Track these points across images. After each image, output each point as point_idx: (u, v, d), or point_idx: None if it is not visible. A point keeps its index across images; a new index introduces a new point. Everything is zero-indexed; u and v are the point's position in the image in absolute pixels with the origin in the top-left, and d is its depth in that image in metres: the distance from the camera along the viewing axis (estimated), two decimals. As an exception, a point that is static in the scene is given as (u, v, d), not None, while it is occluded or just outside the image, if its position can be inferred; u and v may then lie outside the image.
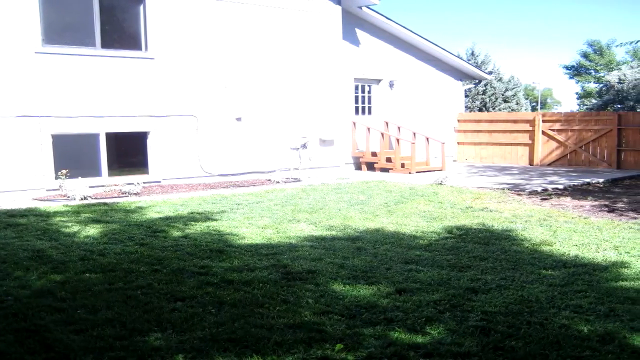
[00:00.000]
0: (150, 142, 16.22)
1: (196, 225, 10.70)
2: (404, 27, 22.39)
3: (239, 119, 17.76)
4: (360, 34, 21.87)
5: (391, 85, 23.07)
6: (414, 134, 21.54)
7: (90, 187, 14.61)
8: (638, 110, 43.18)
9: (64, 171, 14.29)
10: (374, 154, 21.50)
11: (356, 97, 22.42)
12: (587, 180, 18.10)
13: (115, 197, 14.03)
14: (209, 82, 17.19)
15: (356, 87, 22.35)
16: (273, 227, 10.56)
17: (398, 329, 5.61)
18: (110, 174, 15.62)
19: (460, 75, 25.99)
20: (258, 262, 8.05)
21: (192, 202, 13.30)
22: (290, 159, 18.96)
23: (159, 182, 16.24)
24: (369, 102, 22.90)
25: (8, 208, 12.37)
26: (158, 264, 7.92)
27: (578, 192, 15.76)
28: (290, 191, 15.24)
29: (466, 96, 37.80)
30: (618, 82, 48.66)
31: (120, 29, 16.30)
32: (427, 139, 21.64)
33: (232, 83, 17.62)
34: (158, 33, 16.18)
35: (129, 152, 16.51)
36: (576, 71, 75.78)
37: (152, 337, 5.39)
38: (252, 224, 10.85)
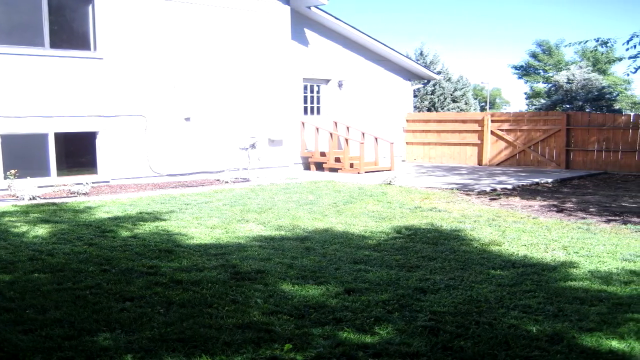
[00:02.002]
0: (99, 142, 16.05)
1: (145, 225, 10.64)
2: (352, 27, 22.48)
3: (187, 119, 17.67)
4: (309, 34, 21.91)
5: (340, 85, 23.15)
6: (363, 134, 21.66)
7: (39, 187, 14.44)
8: (587, 110, 43.96)
9: (12, 171, 14.09)
10: (322, 154, 21.55)
11: (305, 97, 22.45)
12: (536, 180, 18.36)
13: (64, 197, 13.87)
14: (158, 82, 17.07)
15: (305, 87, 22.38)
16: (222, 227, 10.54)
17: (347, 329, 5.64)
18: (59, 174, 15.44)
19: (409, 75, 26.18)
20: (207, 262, 8.04)
21: (140, 202, 13.21)
22: (239, 159, 18.91)
23: (108, 182, 16.09)
24: (318, 102, 22.94)
25: (-48, 208, 12.16)
26: (107, 264, 7.86)
27: (527, 192, 15.99)
28: (239, 191, 15.23)
29: (415, 96, 38.10)
30: (567, 82, 49.56)
31: (69, 29, 16.10)
32: (376, 139, 21.77)
33: (181, 83, 17.53)
34: (107, 33, 16.02)
35: (78, 152, 16.33)
36: (525, 71, 76.87)
37: (101, 337, 5.36)
38: (200, 224, 10.82)
